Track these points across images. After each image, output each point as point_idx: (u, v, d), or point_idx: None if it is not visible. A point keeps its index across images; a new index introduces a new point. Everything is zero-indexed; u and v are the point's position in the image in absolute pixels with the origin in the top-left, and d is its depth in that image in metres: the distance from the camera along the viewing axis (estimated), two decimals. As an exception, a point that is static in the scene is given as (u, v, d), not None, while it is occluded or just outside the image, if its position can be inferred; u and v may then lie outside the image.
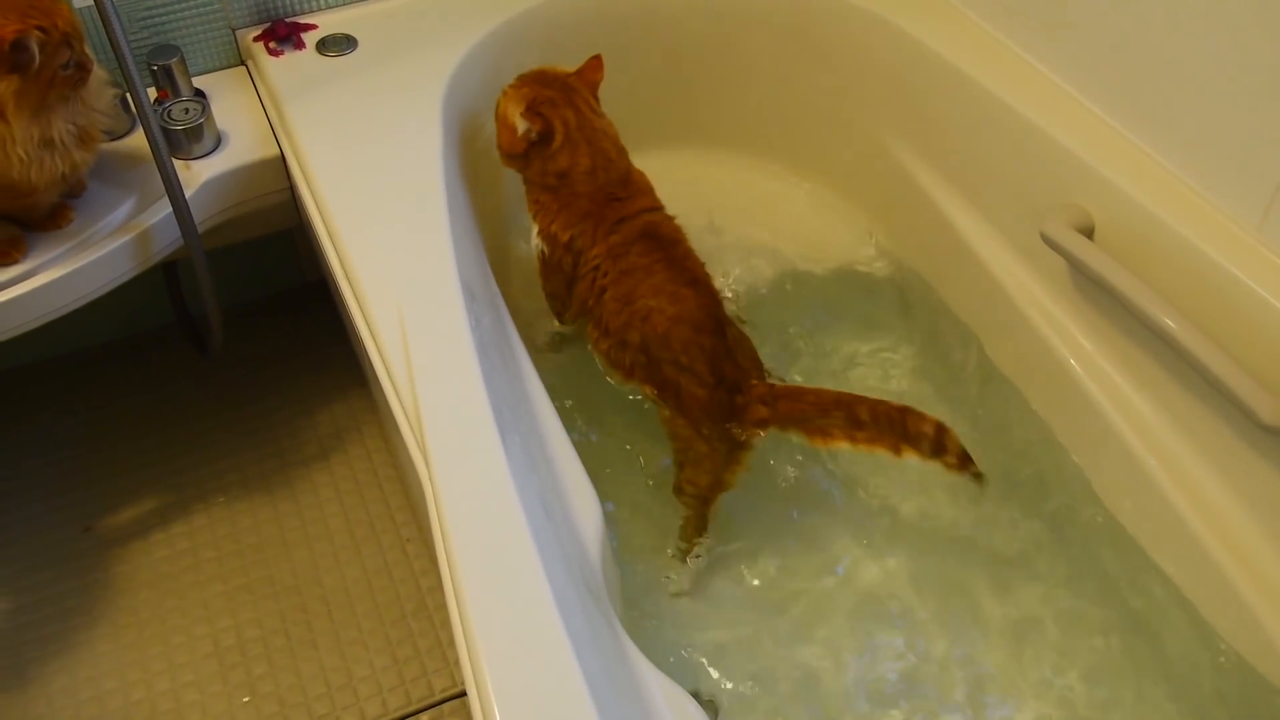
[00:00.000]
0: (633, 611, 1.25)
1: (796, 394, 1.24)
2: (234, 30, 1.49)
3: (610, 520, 1.10)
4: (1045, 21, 1.37)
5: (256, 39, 1.47)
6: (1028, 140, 1.33)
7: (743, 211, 1.70)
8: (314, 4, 1.52)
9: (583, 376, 1.41)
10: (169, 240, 1.32)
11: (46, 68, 1.11)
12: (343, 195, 1.25)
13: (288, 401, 1.67)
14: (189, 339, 1.67)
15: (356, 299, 1.15)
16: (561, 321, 1.44)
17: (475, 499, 0.95)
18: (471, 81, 1.43)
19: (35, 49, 1.08)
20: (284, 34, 1.48)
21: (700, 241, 1.34)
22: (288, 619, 1.42)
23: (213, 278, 1.39)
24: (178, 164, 1.32)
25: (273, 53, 1.46)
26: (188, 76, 1.40)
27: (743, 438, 1.25)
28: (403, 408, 1.04)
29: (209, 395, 1.69)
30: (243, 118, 1.42)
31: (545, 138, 1.28)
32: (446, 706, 1.33)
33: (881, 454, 1.21)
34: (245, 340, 1.73)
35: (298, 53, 1.46)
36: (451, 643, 1.36)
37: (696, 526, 1.31)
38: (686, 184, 1.64)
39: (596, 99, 1.34)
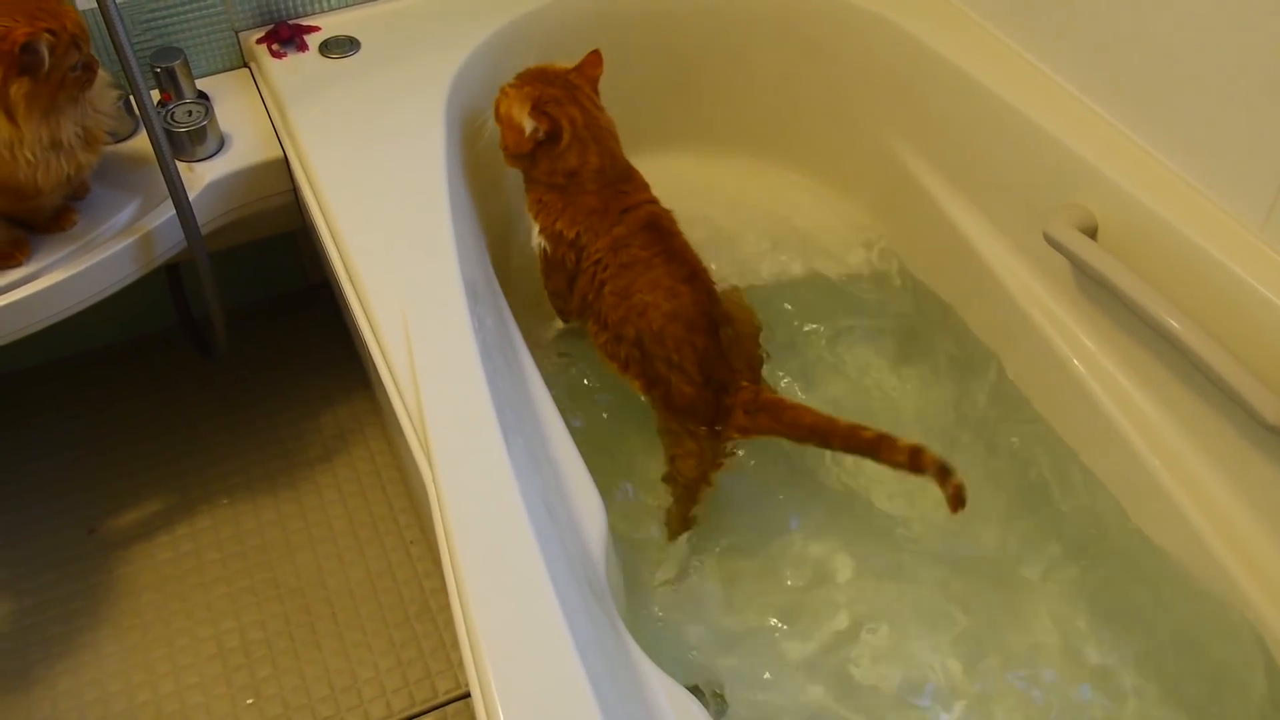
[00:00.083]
0: (636, 612, 1.25)
1: (777, 410, 1.24)
2: (237, 32, 1.49)
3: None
4: (1048, 22, 1.37)
5: (259, 41, 1.47)
6: (1031, 141, 1.33)
7: (745, 213, 1.70)
8: (317, 6, 1.52)
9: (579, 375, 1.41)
10: (172, 242, 1.32)
11: (56, 70, 1.11)
12: (345, 197, 1.25)
13: (291, 403, 1.68)
14: (192, 341, 1.67)
15: (360, 301, 1.15)
16: (565, 320, 1.44)
17: (479, 500, 0.95)
18: (474, 83, 1.43)
19: (45, 51, 1.09)
20: (287, 36, 1.48)
21: (702, 243, 1.34)
22: (292, 621, 1.42)
23: (216, 280, 1.39)
24: (181, 166, 1.32)
25: (275, 55, 1.46)
26: (191, 78, 1.41)
27: (723, 440, 1.27)
28: (406, 409, 1.04)
29: (212, 397, 1.69)
30: (246, 120, 1.42)
31: (553, 137, 1.28)
32: (451, 708, 1.33)
33: None
34: (248, 342, 1.73)
35: (300, 55, 1.46)
36: (455, 644, 1.36)
37: (682, 520, 1.32)
38: (688, 186, 1.64)
39: (597, 94, 1.34)
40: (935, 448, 1.17)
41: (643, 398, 1.31)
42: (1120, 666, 1.22)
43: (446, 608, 1.17)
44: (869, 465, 1.24)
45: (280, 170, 1.38)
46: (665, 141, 1.70)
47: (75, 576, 1.46)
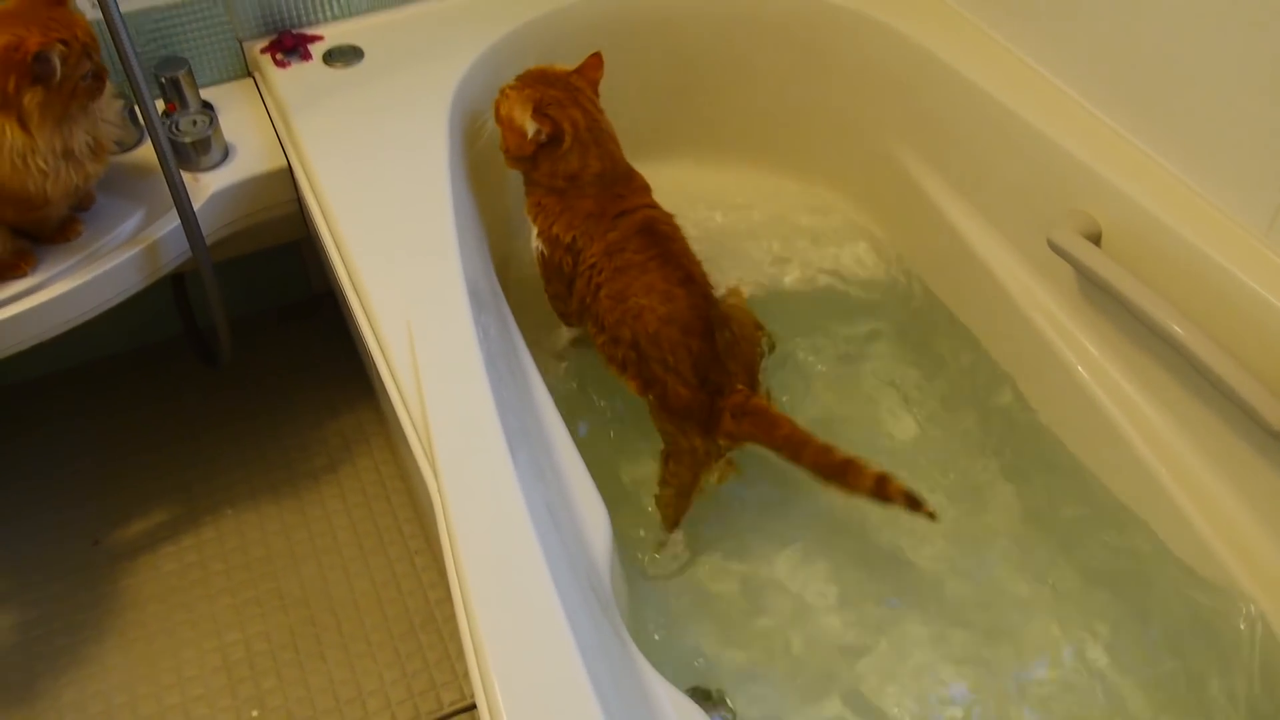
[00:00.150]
0: (640, 621, 1.25)
1: (759, 418, 1.23)
2: (241, 42, 1.49)
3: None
4: (1051, 27, 1.37)
5: (263, 50, 1.48)
6: (1034, 147, 1.33)
7: (746, 219, 1.70)
8: (320, 15, 1.52)
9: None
10: (177, 252, 1.33)
11: (68, 79, 1.12)
12: (350, 206, 1.25)
13: (296, 413, 1.68)
14: (197, 351, 1.68)
15: (364, 310, 1.15)
16: (567, 323, 1.44)
17: (484, 510, 0.94)
18: (477, 92, 1.43)
19: (57, 61, 1.09)
20: (290, 45, 1.48)
21: (703, 249, 1.34)
22: (296, 632, 1.41)
23: (221, 290, 1.39)
24: (185, 176, 1.32)
25: (280, 64, 1.46)
26: (195, 88, 1.41)
27: (715, 443, 1.27)
28: (411, 419, 1.04)
29: (217, 407, 1.69)
30: (250, 129, 1.43)
31: (555, 140, 1.28)
32: None
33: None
34: (253, 352, 1.73)
35: (304, 64, 1.47)
36: (460, 655, 1.36)
37: (672, 519, 1.32)
38: (690, 192, 1.64)
39: (598, 96, 1.34)
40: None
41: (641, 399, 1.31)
42: (1126, 670, 1.22)
43: (452, 618, 1.17)
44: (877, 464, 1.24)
45: (284, 180, 1.39)
46: (667, 148, 1.70)
47: (80, 588, 1.46)
